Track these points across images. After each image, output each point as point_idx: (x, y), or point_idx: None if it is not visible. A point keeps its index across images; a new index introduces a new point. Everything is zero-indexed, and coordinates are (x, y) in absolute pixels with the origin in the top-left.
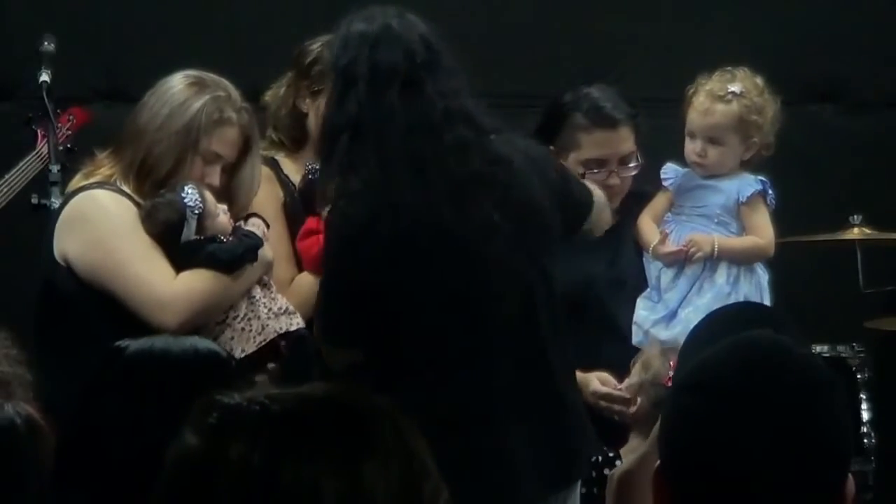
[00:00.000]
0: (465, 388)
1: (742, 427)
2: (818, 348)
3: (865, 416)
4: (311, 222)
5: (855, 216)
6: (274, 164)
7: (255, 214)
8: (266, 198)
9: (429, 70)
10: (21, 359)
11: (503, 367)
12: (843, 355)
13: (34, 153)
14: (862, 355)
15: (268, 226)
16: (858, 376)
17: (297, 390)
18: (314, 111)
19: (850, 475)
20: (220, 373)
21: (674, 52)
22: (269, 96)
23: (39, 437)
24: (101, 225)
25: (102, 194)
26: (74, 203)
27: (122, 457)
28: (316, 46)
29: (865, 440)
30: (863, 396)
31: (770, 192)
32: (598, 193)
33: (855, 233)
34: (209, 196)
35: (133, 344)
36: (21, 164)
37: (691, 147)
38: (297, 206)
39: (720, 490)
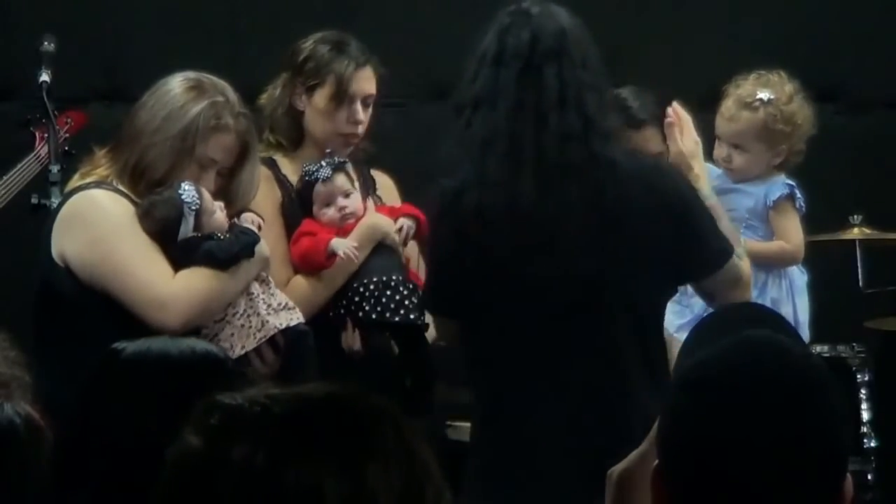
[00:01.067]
0: (523, 369)
1: (740, 425)
2: (818, 348)
3: (865, 416)
4: (306, 224)
5: (855, 216)
6: (272, 165)
7: (248, 210)
8: (264, 198)
9: (553, 58)
10: (20, 360)
11: (560, 355)
12: (843, 355)
13: (32, 155)
14: (862, 355)
15: (263, 220)
16: (858, 376)
17: (297, 390)
18: (310, 108)
19: (848, 475)
20: (218, 374)
21: (673, 52)
22: (264, 98)
23: (39, 437)
24: (99, 224)
25: (100, 194)
26: (72, 203)
27: (120, 458)
28: (308, 44)
29: (865, 440)
30: (863, 397)
31: (799, 195)
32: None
33: (855, 233)
34: (206, 193)
35: (130, 346)
36: (19, 165)
37: (718, 151)
38: (295, 206)
39: (718, 488)
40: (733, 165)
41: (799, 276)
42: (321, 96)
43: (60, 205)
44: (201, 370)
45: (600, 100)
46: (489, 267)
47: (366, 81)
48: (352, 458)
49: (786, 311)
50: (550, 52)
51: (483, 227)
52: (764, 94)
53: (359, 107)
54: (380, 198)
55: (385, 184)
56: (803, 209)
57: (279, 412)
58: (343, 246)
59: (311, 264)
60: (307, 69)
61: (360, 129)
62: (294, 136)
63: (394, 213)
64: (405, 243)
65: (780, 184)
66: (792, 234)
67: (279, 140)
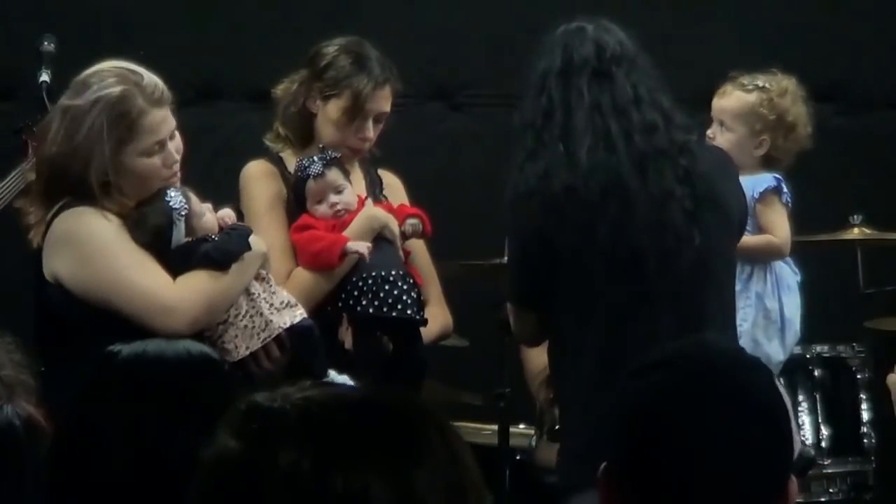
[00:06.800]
0: (627, 342)
1: (688, 405)
2: (818, 348)
3: (865, 416)
4: (304, 218)
5: (855, 216)
6: (279, 162)
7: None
8: (266, 192)
9: (620, 63)
10: (25, 364)
11: (666, 330)
12: (843, 355)
13: (25, 163)
14: (862, 355)
15: (242, 218)
16: (858, 376)
17: (333, 391)
18: (322, 114)
19: (793, 477)
20: (213, 376)
21: (672, 52)
22: (280, 91)
23: (38, 438)
24: (89, 241)
25: (85, 210)
26: (58, 223)
27: (118, 460)
28: (332, 49)
29: (865, 440)
30: (863, 396)
31: (785, 190)
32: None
33: (855, 233)
34: (193, 197)
35: (126, 348)
36: (12, 174)
37: (709, 131)
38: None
39: (663, 473)
40: (715, 143)
41: (790, 274)
42: (335, 107)
43: (46, 226)
44: (197, 372)
45: (670, 100)
46: (590, 246)
47: (382, 100)
48: (399, 462)
49: (770, 306)
50: (617, 58)
51: (581, 207)
52: (761, 81)
53: (370, 124)
54: (385, 197)
55: (392, 183)
56: (790, 203)
57: (321, 415)
58: (358, 247)
59: (322, 264)
60: (326, 77)
61: (367, 145)
62: (303, 134)
63: (396, 213)
64: (408, 237)
65: (769, 177)
66: (779, 227)
67: (288, 135)
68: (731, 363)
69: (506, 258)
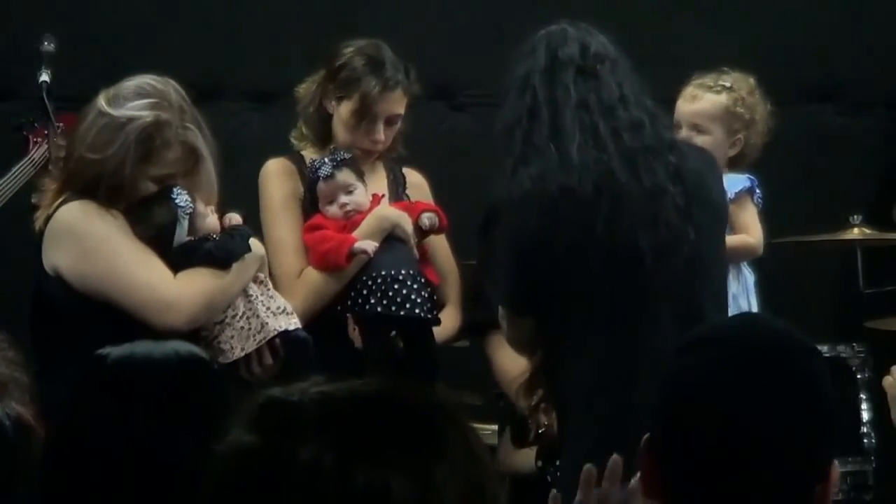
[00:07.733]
0: (627, 342)
1: (734, 383)
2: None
3: (865, 416)
4: (316, 218)
5: (855, 216)
6: (299, 160)
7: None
8: (280, 190)
9: (603, 62)
10: (18, 361)
11: (664, 327)
12: (843, 355)
13: (26, 159)
14: (862, 355)
15: (246, 222)
16: (858, 376)
17: (349, 386)
18: (336, 115)
19: (835, 461)
20: (203, 376)
21: (673, 52)
22: (301, 90)
23: (29, 437)
24: (90, 236)
25: (86, 205)
26: (59, 217)
27: (109, 463)
28: (348, 51)
29: (865, 440)
30: (863, 396)
31: (757, 190)
32: None
33: (855, 233)
34: (197, 196)
35: (114, 351)
36: (13, 170)
37: (681, 134)
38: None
39: (704, 451)
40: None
41: (748, 275)
42: (346, 108)
43: (47, 219)
44: (186, 372)
45: (653, 101)
46: (588, 245)
47: (392, 103)
48: (419, 456)
49: (743, 306)
50: (601, 56)
51: (578, 206)
52: (726, 81)
53: (380, 126)
54: (409, 196)
55: (416, 182)
56: (761, 204)
57: (340, 409)
58: (364, 245)
59: (330, 264)
60: (339, 78)
61: (379, 147)
62: (322, 134)
63: (411, 209)
64: (426, 234)
65: (743, 178)
66: (753, 228)
67: (308, 134)
68: (783, 344)
69: (479, 261)
